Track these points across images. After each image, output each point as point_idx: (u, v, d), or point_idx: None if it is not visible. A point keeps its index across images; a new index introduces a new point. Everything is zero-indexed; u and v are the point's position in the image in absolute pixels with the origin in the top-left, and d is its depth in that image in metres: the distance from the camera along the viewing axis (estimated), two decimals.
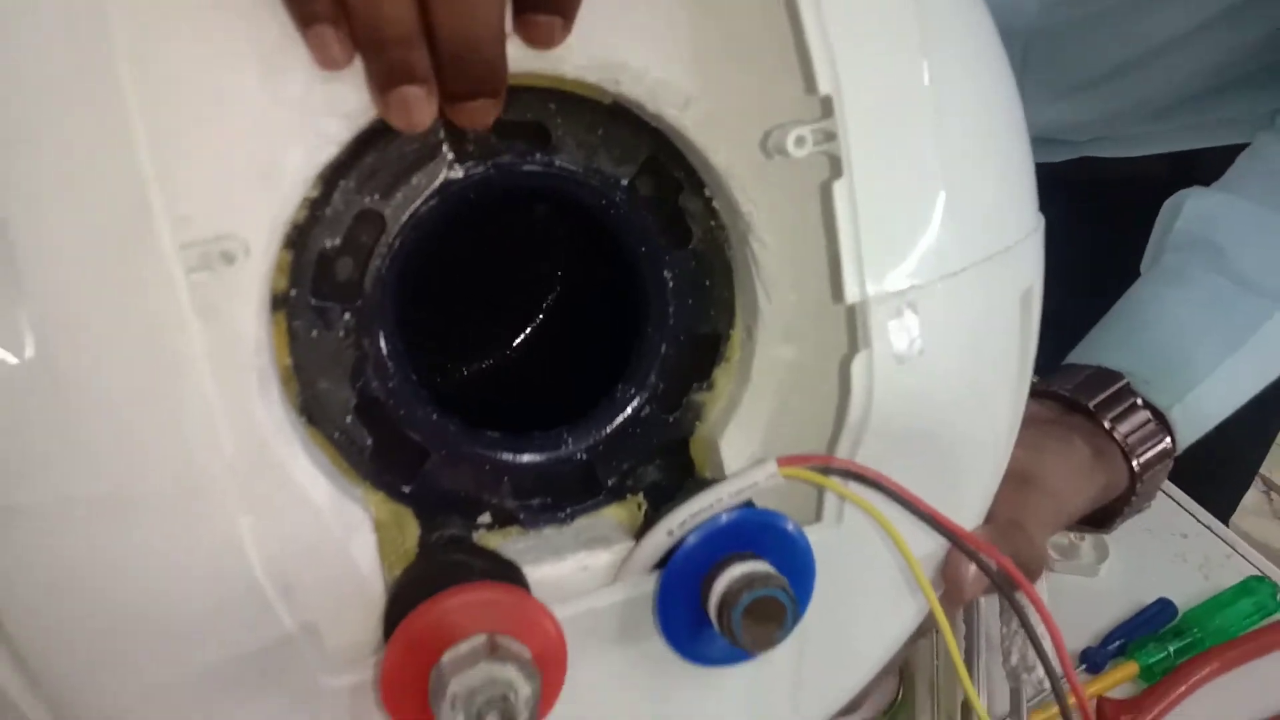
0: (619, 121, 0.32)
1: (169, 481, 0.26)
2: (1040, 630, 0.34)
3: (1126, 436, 0.50)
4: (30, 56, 0.24)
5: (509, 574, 0.32)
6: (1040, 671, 0.51)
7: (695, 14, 0.30)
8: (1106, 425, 0.49)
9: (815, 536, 0.33)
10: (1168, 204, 0.58)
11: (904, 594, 0.37)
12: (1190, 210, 0.57)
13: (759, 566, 0.31)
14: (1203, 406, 0.52)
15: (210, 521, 0.27)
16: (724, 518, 0.32)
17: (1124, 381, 0.51)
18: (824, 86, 0.29)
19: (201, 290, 0.27)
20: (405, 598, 0.31)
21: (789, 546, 0.33)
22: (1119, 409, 0.50)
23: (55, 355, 0.25)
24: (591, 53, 0.29)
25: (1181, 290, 0.55)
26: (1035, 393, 0.50)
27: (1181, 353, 0.53)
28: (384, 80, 0.27)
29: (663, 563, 0.33)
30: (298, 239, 0.30)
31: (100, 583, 0.27)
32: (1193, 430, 0.51)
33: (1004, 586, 0.34)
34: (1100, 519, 0.52)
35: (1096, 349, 0.54)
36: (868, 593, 0.37)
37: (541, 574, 0.33)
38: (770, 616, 0.30)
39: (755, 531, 0.32)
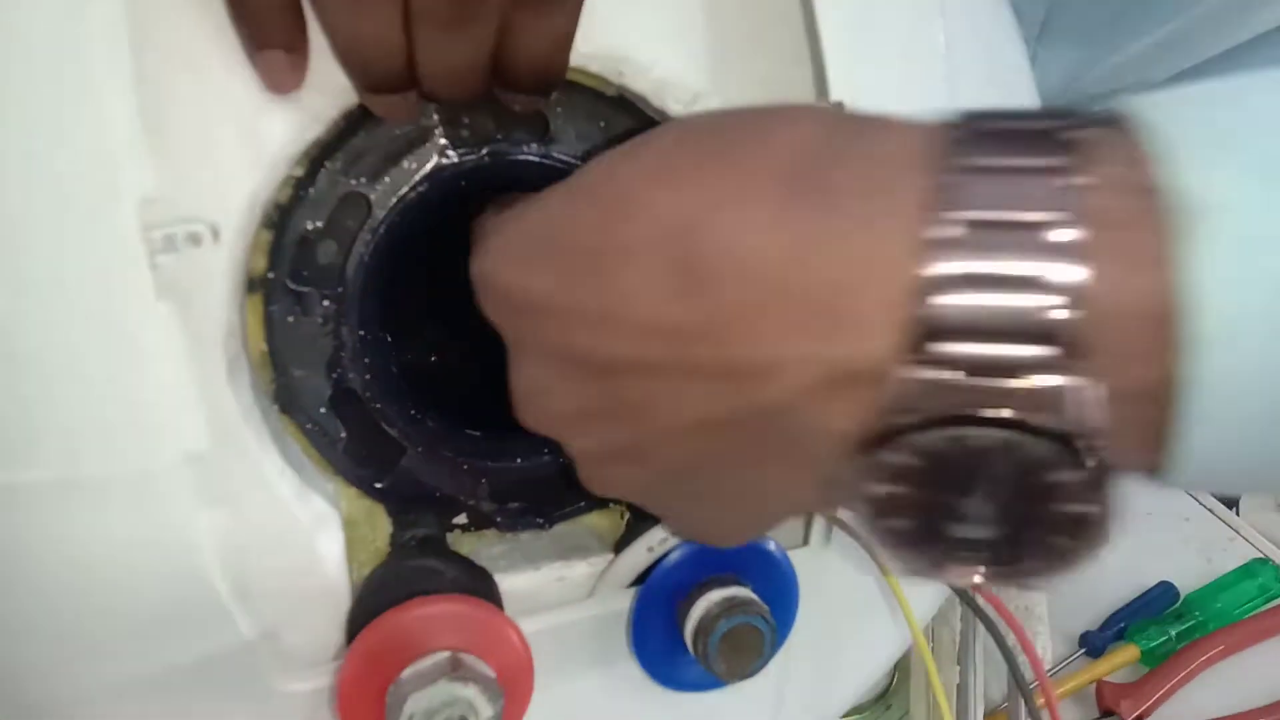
0: (622, 114, 0.31)
1: (122, 470, 0.25)
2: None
3: None
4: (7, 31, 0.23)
5: (480, 584, 0.31)
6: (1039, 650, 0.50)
7: (710, 9, 0.29)
8: None
9: (801, 561, 0.32)
10: None
11: (889, 619, 0.36)
12: None
13: (740, 592, 0.30)
14: None
15: (166, 515, 0.26)
16: None
17: None
18: (836, 92, 0.28)
19: (167, 273, 0.26)
20: (370, 602, 0.30)
21: (773, 570, 0.32)
22: None
23: (13, 333, 0.24)
24: (595, 43, 0.28)
25: None
26: None
27: None
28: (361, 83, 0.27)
29: (641, 579, 0.32)
30: (279, 219, 0.29)
31: (51, 572, 0.26)
32: None
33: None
34: None
35: None
36: (853, 617, 0.36)
37: (515, 583, 0.32)
38: (748, 646, 0.29)
39: (738, 553, 0.31)
